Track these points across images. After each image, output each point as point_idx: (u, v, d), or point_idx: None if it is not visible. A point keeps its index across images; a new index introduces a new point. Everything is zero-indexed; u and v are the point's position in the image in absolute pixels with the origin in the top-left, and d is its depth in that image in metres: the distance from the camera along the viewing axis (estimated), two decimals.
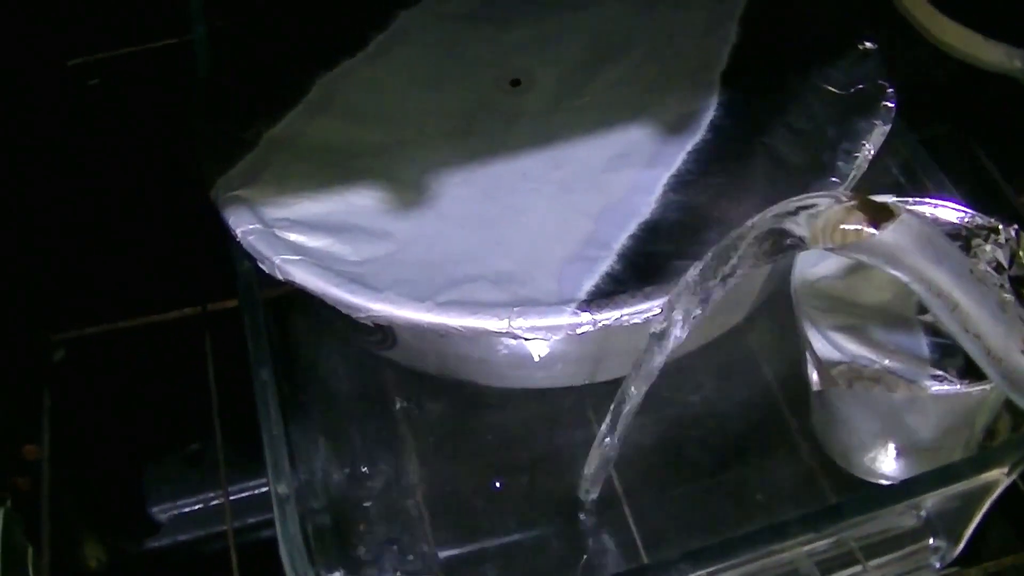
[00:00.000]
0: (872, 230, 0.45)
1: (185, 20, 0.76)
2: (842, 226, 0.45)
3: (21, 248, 0.75)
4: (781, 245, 0.48)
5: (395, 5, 0.77)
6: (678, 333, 0.52)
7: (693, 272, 0.51)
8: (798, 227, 0.47)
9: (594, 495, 0.63)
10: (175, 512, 0.78)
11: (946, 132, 0.73)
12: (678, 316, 0.52)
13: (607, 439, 0.57)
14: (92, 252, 0.80)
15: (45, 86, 0.81)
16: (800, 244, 0.47)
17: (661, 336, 0.52)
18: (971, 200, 0.63)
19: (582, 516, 0.64)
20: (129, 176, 0.80)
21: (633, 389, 0.54)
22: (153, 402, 0.78)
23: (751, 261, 0.49)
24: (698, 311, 0.51)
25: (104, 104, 0.82)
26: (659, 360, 0.53)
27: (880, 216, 0.45)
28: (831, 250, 0.46)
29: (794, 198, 0.48)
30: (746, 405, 0.68)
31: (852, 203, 0.46)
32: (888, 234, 0.44)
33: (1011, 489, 0.64)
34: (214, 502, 0.77)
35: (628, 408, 0.55)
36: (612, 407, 0.56)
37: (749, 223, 0.49)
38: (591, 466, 0.60)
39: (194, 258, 0.75)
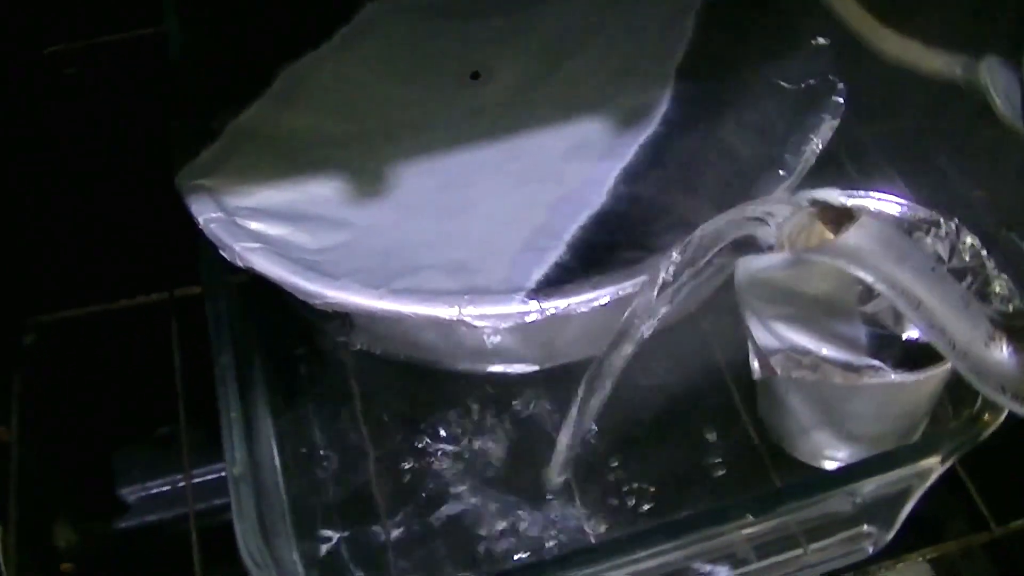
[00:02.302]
0: (833, 235, 0.46)
1: (159, 10, 0.78)
2: (805, 232, 0.47)
3: None
4: (745, 247, 0.50)
5: None
6: (645, 329, 0.54)
7: (661, 270, 0.52)
8: (764, 234, 0.49)
9: (560, 479, 0.64)
10: (143, 493, 0.79)
11: (897, 126, 0.75)
12: (645, 312, 0.53)
13: (575, 427, 0.59)
14: (63, 238, 0.80)
15: (20, 73, 0.82)
16: (765, 248, 0.49)
17: (627, 331, 0.54)
18: (921, 193, 0.65)
19: (533, 497, 0.65)
20: (100, 163, 0.81)
21: (602, 380, 0.56)
22: (121, 385, 0.79)
23: (716, 261, 0.51)
24: (665, 308, 0.53)
25: (77, 92, 0.83)
26: (628, 351, 0.55)
27: (841, 220, 0.46)
28: (795, 254, 0.48)
29: (753, 203, 0.50)
30: (697, 389, 0.69)
31: (813, 210, 0.47)
32: (850, 237, 0.46)
33: (954, 476, 0.66)
34: (180, 484, 0.78)
35: (597, 398, 0.57)
36: (579, 396, 0.57)
37: (711, 226, 0.51)
38: (559, 454, 0.62)
39: (162, 245, 0.75)
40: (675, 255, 0.52)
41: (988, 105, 0.65)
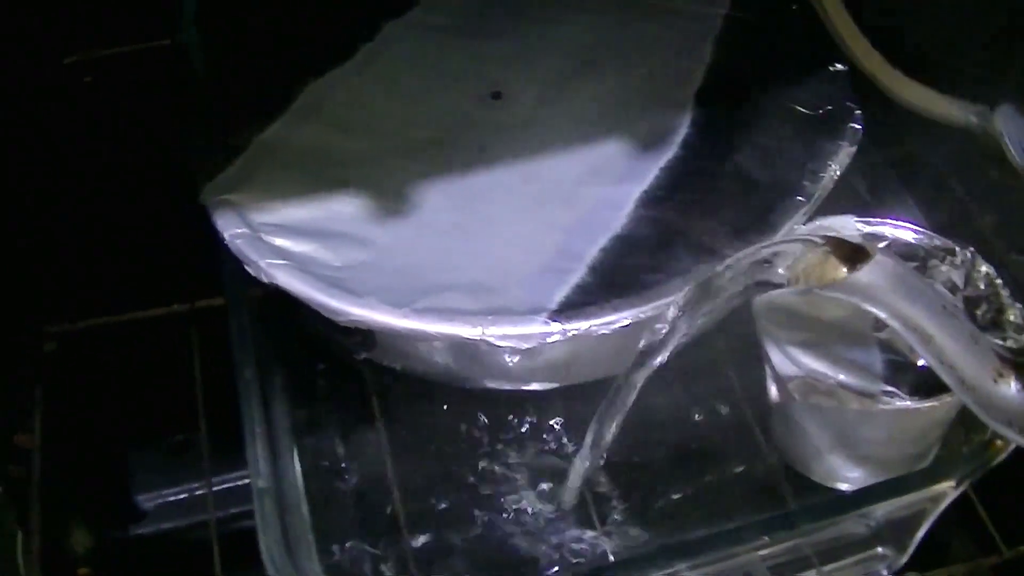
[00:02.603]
0: (847, 271, 0.47)
1: (176, 22, 0.78)
2: (819, 268, 0.48)
3: (16, 244, 0.77)
4: (760, 285, 0.51)
5: (382, 16, 0.79)
6: (663, 355, 0.55)
7: (676, 306, 0.54)
8: (775, 276, 0.50)
9: (575, 499, 0.65)
10: (160, 501, 0.80)
11: (912, 153, 0.75)
12: (663, 340, 0.55)
13: (591, 449, 0.60)
14: (85, 249, 0.81)
15: (40, 83, 0.82)
16: (779, 286, 0.50)
17: (643, 358, 0.56)
18: (936, 220, 0.65)
19: (550, 516, 0.66)
20: (121, 174, 0.82)
21: (619, 405, 0.57)
22: (141, 394, 0.80)
23: (730, 298, 0.52)
24: (682, 338, 0.54)
25: (98, 102, 0.84)
26: (643, 376, 0.56)
27: (855, 258, 0.48)
28: (810, 291, 0.49)
29: (765, 244, 0.51)
30: (711, 410, 0.70)
31: (827, 247, 0.48)
32: (863, 275, 0.47)
33: (963, 500, 0.67)
34: (198, 492, 0.79)
35: (614, 421, 0.58)
36: (596, 420, 0.58)
37: (726, 268, 0.52)
38: (575, 474, 0.63)
39: (183, 256, 0.76)
40: (682, 298, 0.53)
41: (1002, 153, 0.66)
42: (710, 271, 0.52)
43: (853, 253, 0.47)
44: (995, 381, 0.47)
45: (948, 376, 0.47)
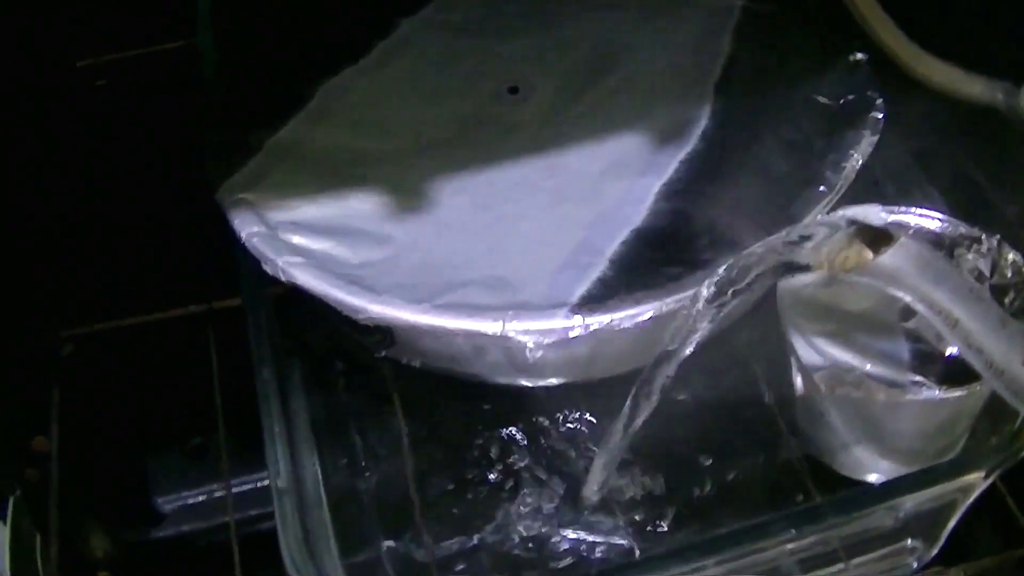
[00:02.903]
0: (872, 255, 0.47)
1: (192, 24, 0.78)
2: (843, 253, 0.47)
3: (32, 246, 0.76)
4: (785, 270, 0.50)
5: (397, 14, 0.79)
6: (690, 346, 0.55)
7: (704, 292, 0.53)
8: (802, 256, 0.49)
9: (598, 496, 0.65)
10: (179, 503, 0.79)
11: (935, 143, 0.75)
12: (691, 329, 0.54)
13: (614, 444, 0.59)
14: (100, 250, 0.81)
15: (54, 86, 0.82)
16: (805, 269, 0.49)
17: (669, 350, 0.55)
18: (959, 210, 0.65)
19: (573, 512, 0.66)
20: (136, 175, 0.82)
21: (646, 399, 0.57)
22: (158, 396, 0.80)
23: (757, 283, 0.52)
24: (707, 326, 0.54)
25: (112, 105, 0.84)
26: (670, 370, 0.55)
27: (880, 241, 0.47)
28: (834, 274, 0.48)
29: (795, 227, 0.50)
30: (735, 403, 0.69)
31: (852, 230, 0.48)
32: (888, 259, 0.46)
33: (992, 491, 0.66)
34: (217, 494, 0.79)
35: (639, 416, 0.57)
36: (624, 414, 0.58)
37: (754, 251, 0.51)
38: (597, 470, 0.62)
39: (199, 257, 0.76)
40: (715, 279, 0.52)
41: None
42: (736, 259, 0.52)
43: (878, 237, 0.47)
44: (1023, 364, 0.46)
45: (976, 360, 0.47)
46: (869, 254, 0.47)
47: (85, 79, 0.83)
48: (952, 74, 0.68)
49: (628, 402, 0.57)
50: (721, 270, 0.52)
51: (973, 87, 0.68)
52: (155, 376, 0.81)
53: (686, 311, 0.54)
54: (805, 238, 0.49)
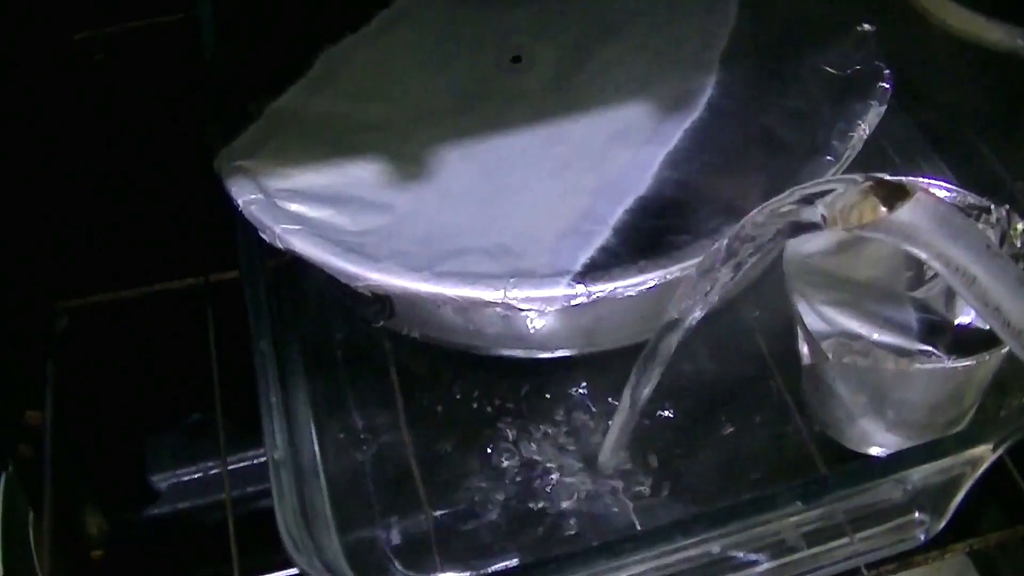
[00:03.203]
0: (887, 210, 0.45)
1: None
2: (856, 209, 0.46)
3: (27, 219, 0.76)
4: (798, 227, 0.49)
5: None
6: (700, 311, 0.54)
7: (715, 252, 0.52)
8: (815, 214, 0.48)
9: (613, 463, 0.64)
10: (175, 480, 0.79)
11: (943, 115, 0.74)
12: (701, 293, 0.53)
13: (627, 411, 0.59)
14: (96, 222, 0.80)
15: (51, 59, 0.81)
16: (817, 227, 0.48)
17: (679, 314, 0.54)
18: (966, 182, 0.64)
19: (577, 484, 0.65)
20: (134, 147, 0.81)
21: (654, 364, 0.56)
22: (155, 371, 0.79)
23: (770, 242, 0.50)
24: (718, 290, 0.53)
25: (110, 77, 0.83)
26: (680, 334, 0.54)
27: (895, 196, 0.45)
28: (850, 231, 0.47)
29: (810, 183, 0.49)
30: (739, 376, 0.68)
31: (867, 184, 0.47)
32: (904, 213, 0.45)
33: (999, 466, 0.65)
34: (213, 471, 0.78)
35: (649, 382, 0.56)
36: (632, 380, 0.57)
37: (767, 208, 0.50)
38: (612, 436, 0.61)
39: (197, 229, 0.76)
40: (729, 237, 0.51)
41: None
42: (747, 218, 0.51)
43: (892, 192, 0.45)
44: None
45: (993, 319, 0.45)
46: (884, 209, 0.45)
47: (83, 52, 0.82)
48: (972, 19, 0.67)
49: (635, 370, 0.56)
50: (734, 229, 0.51)
51: (993, 33, 0.67)
52: (152, 350, 0.80)
53: (693, 277, 0.53)
54: (818, 195, 0.47)
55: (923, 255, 0.45)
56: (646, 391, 0.57)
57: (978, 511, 0.67)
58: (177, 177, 0.77)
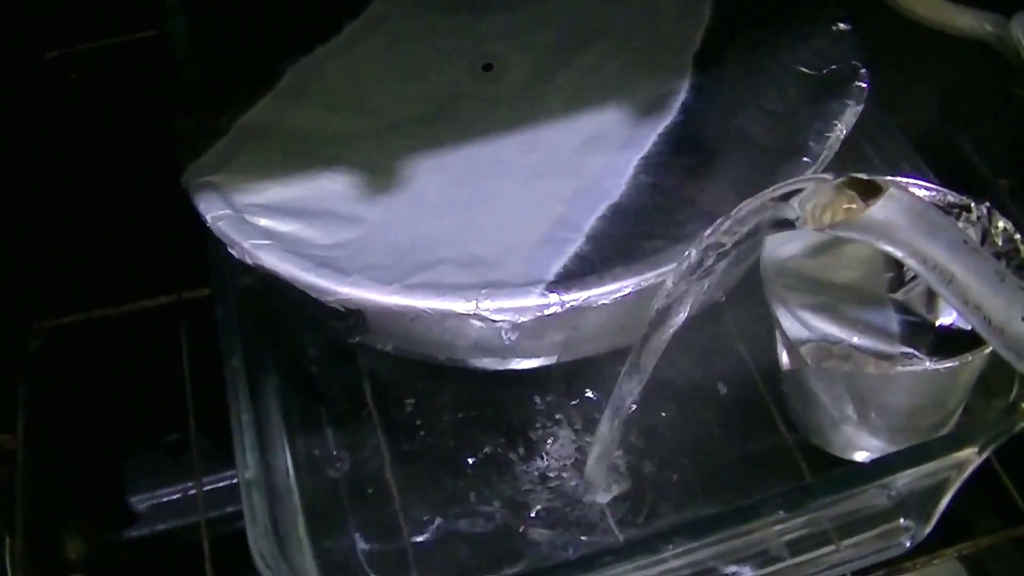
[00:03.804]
0: (862, 207, 0.44)
1: (160, 14, 0.76)
2: (830, 207, 0.45)
3: None
4: (772, 225, 0.48)
5: None
6: (682, 312, 0.53)
7: (692, 254, 0.51)
8: (790, 212, 0.47)
9: (598, 478, 0.63)
10: (153, 502, 0.78)
11: (923, 115, 0.73)
12: (681, 295, 0.52)
13: (613, 416, 0.58)
14: (69, 242, 0.79)
15: (23, 78, 0.81)
16: (791, 225, 0.47)
17: (665, 314, 0.53)
18: (947, 180, 0.63)
19: (554, 496, 0.64)
20: (105, 166, 0.80)
21: (641, 367, 0.55)
22: (130, 391, 0.78)
23: (745, 241, 0.49)
24: (702, 288, 0.52)
25: (80, 96, 0.82)
26: (666, 336, 0.53)
27: (868, 193, 0.44)
28: (823, 230, 0.46)
29: (783, 183, 0.48)
30: (722, 382, 0.68)
31: (839, 182, 0.46)
32: (878, 210, 0.44)
33: (987, 470, 0.65)
34: (192, 491, 0.76)
35: (636, 385, 0.55)
36: (619, 384, 0.56)
37: (743, 208, 0.49)
38: (599, 443, 0.60)
39: (170, 247, 0.74)
40: (708, 235, 0.50)
41: (1020, 65, 0.63)
42: (723, 218, 0.49)
43: (865, 189, 0.44)
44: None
45: (973, 317, 0.44)
46: (857, 207, 0.44)
47: (57, 70, 0.81)
48: (939, 6, 0.66)
49: (622, 374, 0.55)
50: (707, 232, 0.50)
51: (962, 19, 0.66)
52: (125, 370, 0.79)
53: (675, 277, 0.52)
54: (793, 193, 0.46)
55: (899, 254, 0.44)
56: (633, 392, 0.55)
57: (968, 515, 0.66)
58: (150, 195, 0.76)
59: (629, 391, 0.56)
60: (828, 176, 0.46)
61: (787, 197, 0.47)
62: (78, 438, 0.77)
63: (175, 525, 0.77)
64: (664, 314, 0.52)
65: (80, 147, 0.80)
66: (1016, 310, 0.44)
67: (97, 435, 0.78)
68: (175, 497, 0.78)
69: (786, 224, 0.47)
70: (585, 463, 0.63)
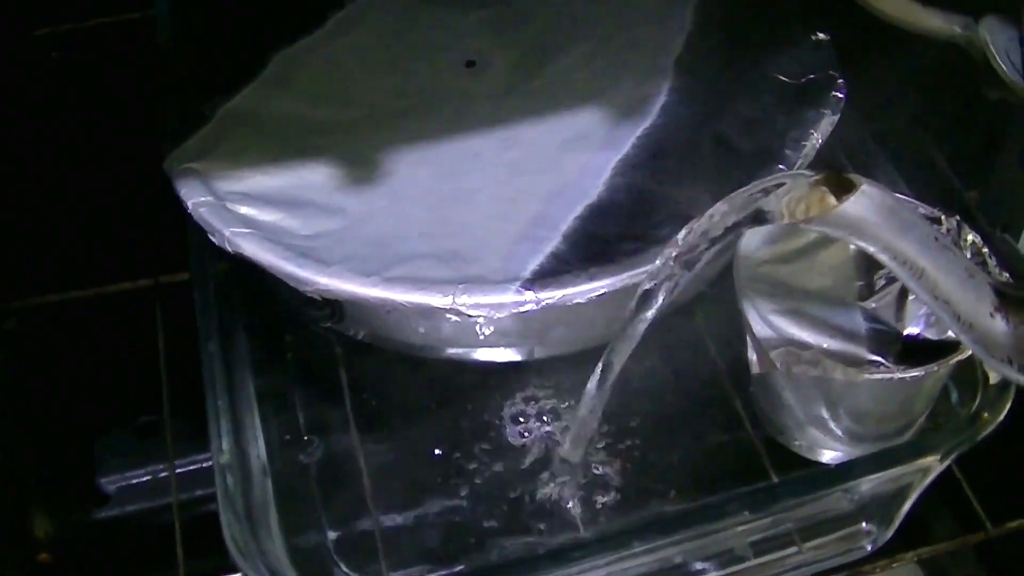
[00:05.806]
0: (835, 203, 0.45)
1: None
2: (804, 202, 0.46)
3: None
4: (752, 220, 0.49)
5: None
6: (660, 303, 0.53)
7: (672, 248, 0.51)
8: (765, 207, 0.48)
9: (578, 457, 0.63)
10: (124, 483, 0.78)
11: (898, 125, 0.74)
12: (660, 288, 0.53)
13: (593, 403, 0.58)
14: (46, 222, 0.79)
15: (6, 56, 0.81)
16: (767, 219, 0.48)
17: (645, 305, 0.53)
18: (919, 191, 0.64)
19: (524, 488, 0.65)
20: (86, 147, 0.80)
21: (616, 355, 0.55)
22: (104, 373, 0.78)
23: (724, 236, 0.50)
24: (678, 281, 0.52)
25: (64, 75, 0.82)
26: (645, 324, 0.54)
27: (842, 188, 0.45)
28: (797, 224, 0.46)
29: (763, 180, 0.49)
30: (690, 382, 0.68)
31: (815, 178, 0.46)
32: (850, 206, 0.45)
33: (948, 476, 0.66)
34: (163, 474, 0.77)
35: (615, 370, 0.56)
36: (599, 371, 0.56)
37: (723, 204, 0.50)
38: (577, 427, 0.61)
39: (147, 230, 0.75)
40: (689, 228, 0.51)
41: (988, 67, 0.63)
42: (703, 215, 0.50)
43: (840, 184, 0.45)
44: (992, 317, 0.45)
45: (943, 312, 0.45)
46: (831, 201, 0.45)
47: (39, 50, 0.81)
48: (908, 7, 0.66)
49: (601, 362, 0.56)
50: (691, 224, 0.51)
51: (931, 20, 0.66)
52: (100, 352, 0.78)
53: (654, 273, 0.53)
54: (769, 189, 0.47)
55: (871, 248, 0.45)
56: (611, 380, 0.56)
57: (928, 521, 0.67)
58: (129, 178, 0.76)
59: (609, 378, 0.56)
60: (807, 172, 0.46)
61: (767, 192, 0.47)
62: (51, 418, 0.77)
63: (145, 507, 0.77)
64: (643, 304, 0.53)
65: (60, 127, 0.81)
66: (984, 306, 0.45)
67: (70, 415, 0.77)
68: (145, 479, 0.78)
69: (764, 218, 0.47)
70: (556, 456, 0.64)
